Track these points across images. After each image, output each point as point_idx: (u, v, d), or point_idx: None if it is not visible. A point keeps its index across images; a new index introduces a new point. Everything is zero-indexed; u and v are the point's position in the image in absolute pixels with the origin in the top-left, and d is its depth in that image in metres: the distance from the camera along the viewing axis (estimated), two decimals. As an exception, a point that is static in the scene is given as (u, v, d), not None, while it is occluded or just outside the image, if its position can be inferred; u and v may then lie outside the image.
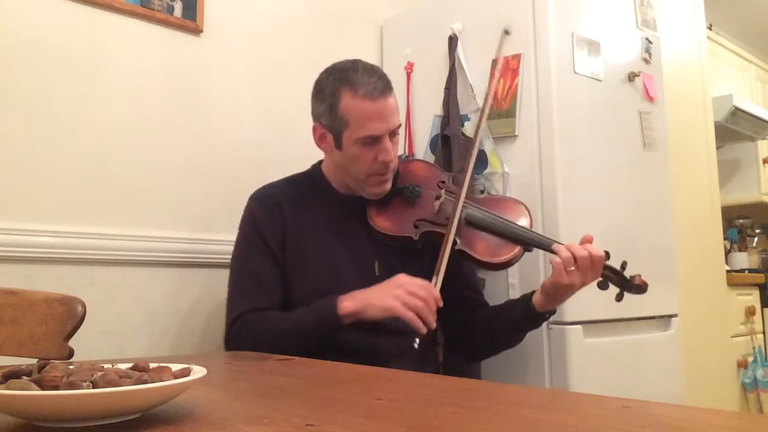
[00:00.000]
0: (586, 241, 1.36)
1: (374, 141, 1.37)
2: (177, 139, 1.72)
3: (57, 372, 0.59)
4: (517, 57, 1.81)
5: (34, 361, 0.66)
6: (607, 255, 1.37)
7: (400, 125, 1.42)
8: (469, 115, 1.88)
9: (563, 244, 1.36)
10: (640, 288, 1.40)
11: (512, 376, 1.70)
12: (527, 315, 1.40)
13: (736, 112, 3.32)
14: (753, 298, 3.24)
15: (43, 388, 0.56)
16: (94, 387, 0.57)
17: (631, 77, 1.98)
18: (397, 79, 2.13)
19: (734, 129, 3.41)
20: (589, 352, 1.70)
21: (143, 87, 1.67)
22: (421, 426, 0.62)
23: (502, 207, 1.49)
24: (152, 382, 0.59)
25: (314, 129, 1.45)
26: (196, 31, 1.77)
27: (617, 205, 1.87)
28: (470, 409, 0.70)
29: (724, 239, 3.37)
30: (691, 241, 2.54)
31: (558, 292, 1.35)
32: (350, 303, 1.28)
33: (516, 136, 1.79)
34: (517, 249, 1.41)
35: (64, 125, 1.53)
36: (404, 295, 1.26)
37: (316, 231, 1.45)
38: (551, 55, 1.77)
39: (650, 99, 2.04)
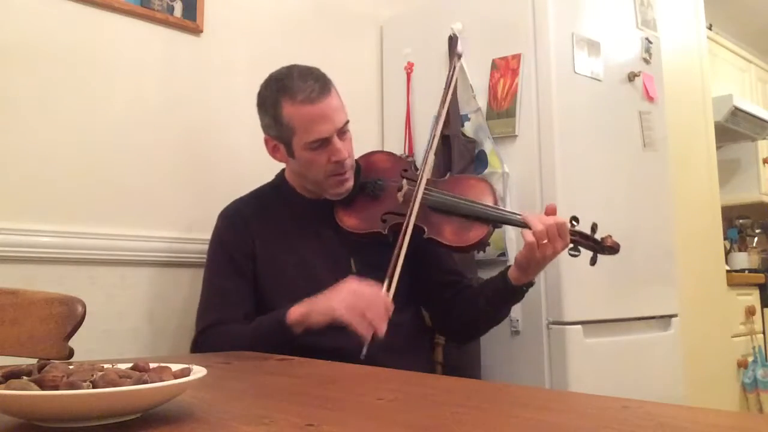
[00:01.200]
0: (550, 212, 1.36)
1: (323, 143, 1.37)
2: (177, 138, 1.72)
3: (57, 372, 0.59)
4: (517, 57, 1.81)
5: (34, 361, 0.66)
6: (576, 220, 1.38)
7: (347, 122, 1.42)
8: (469, 115, 1.88)
9: (533, 216, 1.35)
10: (612, 249, 1.40)
11: (512, 376, 1.71)
12: (505, 290, 1.41)
13: (736, 112, 3.32)
14: (753, 298, 3.24)
15: (43, 388, 0.56)
16: (94, 387, 0.57)
17: (631, 77, 1.98)
18: (397, 79, 2.14)
19: (734, 129, 3.40)
20: (589, 352, 1.70)
21: (143, 87, 1.67)
22: (421, 426, 0.62)
23: (465, 187, 1.48)
24: (152, 382, 0.59)
25: (266, 141, 1.47)
26: (196, 31, 1.77)
27: (617, 205, 1.87)
28: (470, 409, 0.70)
29: (724, 239, 3.36)
30: (691, 241, 2.54)
31: (531, 264, 1.36)
32: (296, 310, 1.27)
33: (516, 136, 1.79)
34: (485, 229, 1.40)
35: (64, 125, 1.53)
36: (348, 298, 1.22)
37: (287, 238, 1.45)
38: (551, 55, 1.77)
39: (650, 99, 2.04)
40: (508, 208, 1.43)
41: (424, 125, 2.01)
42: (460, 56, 1.64)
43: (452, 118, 1.87)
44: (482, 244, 1.43)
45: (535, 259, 1.33)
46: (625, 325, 1.84)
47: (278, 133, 1.41)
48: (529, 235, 1.32)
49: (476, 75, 1.89)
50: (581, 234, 1.39)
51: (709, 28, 3.46)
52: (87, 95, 1.57)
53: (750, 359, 3.00)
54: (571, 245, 1.38)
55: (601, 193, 1.83)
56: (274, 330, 1.29)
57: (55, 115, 1.52)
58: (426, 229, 1.40)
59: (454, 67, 1.58)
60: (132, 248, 1.60)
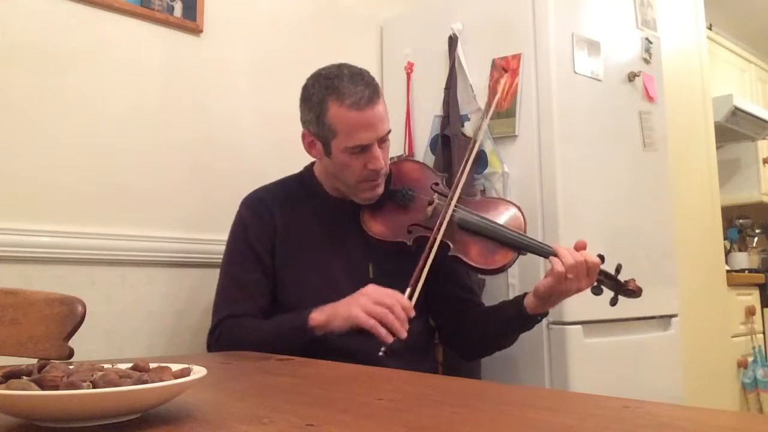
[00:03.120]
0: (580, 247, 1.35)
1: (363, 149, 1.36)
2: (177, 139, 1.72)
3: (57, 372, 0.59)
4: (517, 57, 1.81)
5: (34, 361, 0.65)
6: (602, 259, 1.37)
7: (389, 131, 1.41)
8: (469, 115, 1.88)
9: (562, 250, 1.34)
10: (633, 293, 1.41)
11: (512, 376, 1.70)
12: (518, 317, 1.40)
13: (736, 112, 3.32)
14: (753, 298, 3.24)
15: (43, 388, 0.56)
16: (94, 387, 0.57)
17: (631, 77, 1.98)
18: (397, 79, 2.14)
19: (734, 129, 3.40)
20: (589, 352, 1.70)
21: (143, 87, 1.67)
22: (421, 426, 0.62)
23: (496, 210, 1.48)
24: (152, 382, 0.59)
25: (303, 136, 1.45)
26: (196, 31, 1.77)
27: (617, 205, 1.87)
28: (470, 409, 0.70)
29: (724, 239, 3.36)
30: (691, 241, 2.54)
31: (552, 297, 1.35)
32: (319, 315, 1.27)
33: (516, 136, 1.79)
34: (511, 255, 1.40)
35: (64, 125, 1.53)
36: (368, 304, 1.23)
37: (308, 234, 1.45)
38: (551, 55, 1.77)
39: (650, 99, 2.04)
40: (538, 238, 1.43)
41: (424, 125, 2.01)
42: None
43: (452, 118, 1.87)
44: (505, 269, 1.42)
45: (558, 292, 1.33)
46: (625, 325, 1.84)
47: (318, 131, 1.39)
48: (558, 265, 1.31)
49: (476, 75, 1.89)
50: (606, 274, 1.39)
51: (709, 28, 3.46)
52: (87, 95, 1.57)
53: (750, 359, 3.00)
54: (595, 284, 1.37)
55: (601, 193, 1.83)
56: (294, 331, 1.29)
57: (55, 114, 1.52)
58: (452, 246, 1.39)
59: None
60: (132, 248, 1.60)
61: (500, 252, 1.40)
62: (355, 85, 1.35)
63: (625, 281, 1.40)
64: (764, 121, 3.59)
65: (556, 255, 1.33)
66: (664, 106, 2.11)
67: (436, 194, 1.46)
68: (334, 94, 1.35)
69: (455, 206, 1.42)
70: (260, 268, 1.42)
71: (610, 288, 1.41)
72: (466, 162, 1.49)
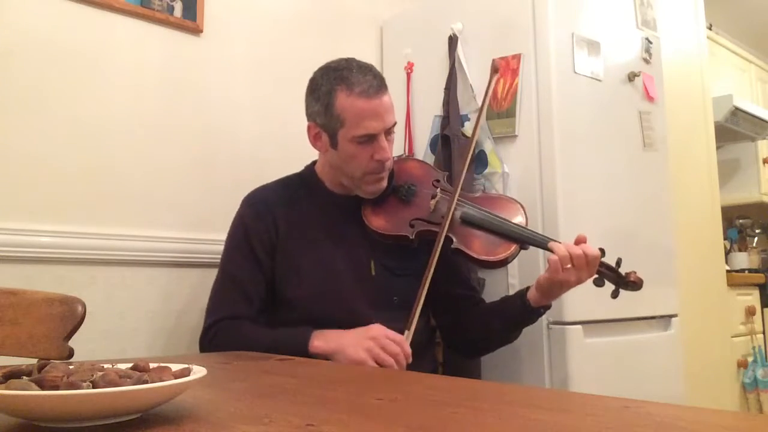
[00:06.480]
0: (581, 241, 1.36)
1: (370, 139, 1.37)
2: (177, 138, 1.72)
3: (57, 372, 0.59)
4: (517, 57, 1.81)
5: (34, 361, 0.66)
6: (603, 252, 1.38)
7: (395, 123, 1.42)
8: (469, 115, 1.88)
9: (561, 243, 1.36)
10: (635, 285, 1.41)
11: (512, 376, 1.70)
12: (522, 310, 1.41)
13: (736, 112, 3.32)
14: (753, 298, 3.24)
15: (43, 388, 0.56)
16: (94, 387, 0.57)
17: (631, 77, 1.98)
18: (397, 79, 2.14)
19: (734, 129, 3.40)
20: (589, 352, 1.70)
21: (143, 87, 1.67)
22: (421, 426, 0.62)
23: (498, 205, 1.50)
24: (152, 382, 0.59)
25: (309, 128, 1.45)
26: (196, 31, 1.77)
27: (617, 205, 1.87)
28: (470, 409, 0.70)
29: (724, 239, 3.36)
30: (691, 241, 2.54)
31: (553, 288, 1.36)
32: (322, 344, 1.28)
33: (516, 136, 1.79)
34: (513, 247, 1.41)
35: (64, 125, 1.53)
36: (375, 350, 1.24)
37: (310, 232, 1.45)
38: (551, 55, 1.77)
39: (650, 99, 2.04)
40: (539, 232, 1.45)
41: (424, 125, 2.01)
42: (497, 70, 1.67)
43: (452, 118, 1.87)
44: (507, 262, 1.43)
45: (558, 283, 1.34)
46: (625, 325, 1.84)
47: (325, 122, 1.40)
48: (552, 256, 1.33)
49: (476, 75, 1.89)
50: (607, 266, 1.40)
51: (709, 28, 3.46)
52: (87, 95, 1.57)
53: (750, 359, 3.00)
54: (596, 276, 1.38)
55: (601, 193, 1.83)
56: (292, 350, 1.27)
57: (55, 115, 1.52)
58: (454, 240, 1.41)
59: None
60: (132, 248, 1.60)
61: (503, 245, 1.41)
62: (364, 75, 1.38)
63: (626, 273, 1.41)
64: (764, 121, 3.59)
65: (550, 249, 1.36)
66: (664, 106, 2.11)
67: (439, 189, 1.47)
68: (343, 84, 1.36)
69: (458, 201, 1.43)
70: (258, 269, 1.42)
71: (611, 281, 1.41)
72: (466, 158, 1.50)
